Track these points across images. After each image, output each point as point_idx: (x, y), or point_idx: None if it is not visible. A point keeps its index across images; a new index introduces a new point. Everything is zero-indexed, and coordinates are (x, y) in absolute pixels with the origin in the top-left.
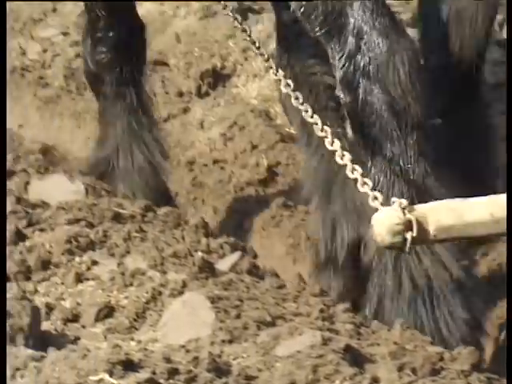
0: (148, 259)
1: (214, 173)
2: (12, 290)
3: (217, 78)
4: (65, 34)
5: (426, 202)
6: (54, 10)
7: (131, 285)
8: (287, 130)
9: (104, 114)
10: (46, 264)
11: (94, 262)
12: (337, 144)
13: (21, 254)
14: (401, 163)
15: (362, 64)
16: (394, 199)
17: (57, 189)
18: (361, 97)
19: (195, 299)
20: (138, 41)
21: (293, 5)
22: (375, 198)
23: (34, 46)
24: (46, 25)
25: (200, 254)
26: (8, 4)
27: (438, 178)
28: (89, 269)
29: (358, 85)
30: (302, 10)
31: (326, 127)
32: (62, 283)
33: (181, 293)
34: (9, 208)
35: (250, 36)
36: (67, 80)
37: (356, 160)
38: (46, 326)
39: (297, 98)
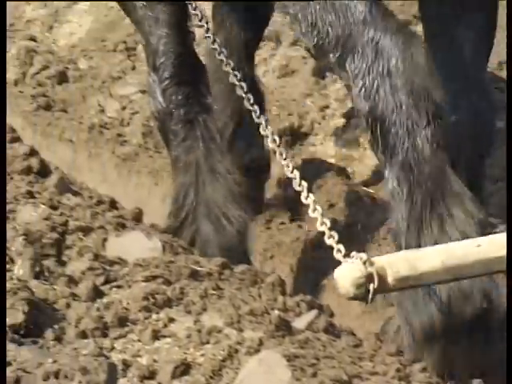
0: (225, 317)
1: (291, 231)
2: (89, 346)
3: (294, 137)
4: (143, 91)
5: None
6: (133, 68)
7: (208, 342)
8: (365, 188)
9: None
10: (123, 321)
11: (171, 319)
12: (310, 199)
13: (98, 310)
14: (417, 160)
15: (380, 69)
16: (353, 253)
17: (134, 246)
18: (381, 100)
19: (271, 357)
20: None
21: (305, 38)
22: (339, 250)
23: (113, 103)
24: (124, 83)
25: (276, 312)
26: (87, 61)
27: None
28: (165, 326)
29: (377, 90)
30: (315, 40)
31: (303, 182)
32: (139, 340)
33: (257, 351)
34: (86, 265)
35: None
36: (145, 137)
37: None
38: (122, 382)
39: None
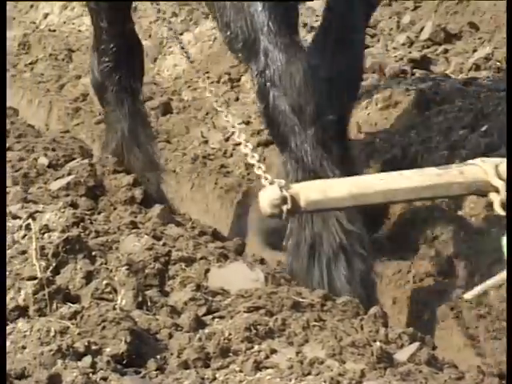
0: (326, 348)
1: (393, 263)
2: (191, 376)
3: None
4: (247, 122)
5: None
6: (237, 99)
7: (309, 374)
8: (469, 222)
9: (107, 118)
10: (224, 351)
11: (273, 351)
12: (242, 136)
13: (200, 340)
14: (302, 152)
15: (269, 76)
16: (275, 180)
17: (237, 276)
18: (271, 103)
19: None
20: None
21: (221, 34)
22: (266, 178)
23: (216, 135)
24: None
25: (378, 343)
26: (190, 93)
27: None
28: (267, 357)
29: (268, 93)
30: (227, 40)
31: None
32: (241, 371)
33: (359, 383)
34: (189, 295)
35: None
36: (248, 169)
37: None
38: None
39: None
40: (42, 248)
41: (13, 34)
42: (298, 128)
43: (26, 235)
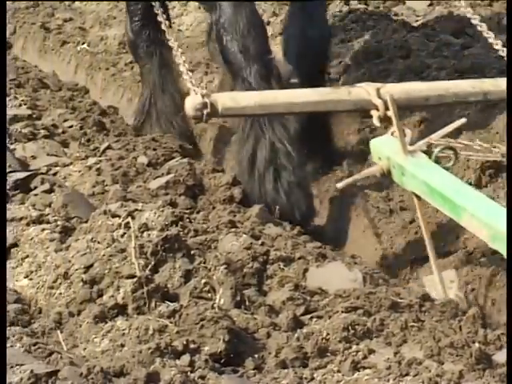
0: (425, 349)
1: (492, 264)
2: (288, 376)
3: (497, 171)
4: None
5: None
6: None
7: (407, 374)
8: None
9: (141, 73)
10: (322, 351)
11: (371, 351)
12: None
13: (298, 340)
14: (248, 85)
15: (222, 24)
16: (198, 90)
17: (335, 276)
18: (224, 45)
19: None
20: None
21: None
22: (194, 91)
23: None
24: None
25: (477, 344)
26: None
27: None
28: (365, 357)
29: (222, 38)
30: None
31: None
32: (339, 371)
33: None
34: (287, 295)
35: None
36: None
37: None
38: None
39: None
40: (141, 246)
41: (113, 33)
42: (244, 65)
43: (125, 234)
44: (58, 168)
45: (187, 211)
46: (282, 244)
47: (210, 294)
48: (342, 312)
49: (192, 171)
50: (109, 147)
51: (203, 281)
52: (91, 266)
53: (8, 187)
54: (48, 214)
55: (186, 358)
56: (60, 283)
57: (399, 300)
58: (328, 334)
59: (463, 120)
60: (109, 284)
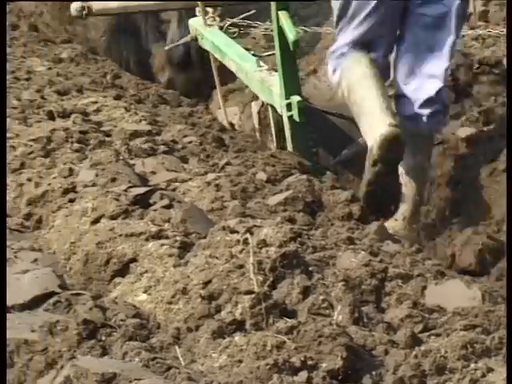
0: None
1: None
2: None
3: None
4: None
5: None
6: None
7: None
8: None
9: None
10: (440, 369)
11: (490, 369)
12: None
13: (416, 358)
14: None
15: None
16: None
17: (453, 294)
18: None
19: None
20: None
21: None
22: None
23: None
24: None
25: None
26: None
27: None
28: (483, 376)
29: None
30: None
31: None
32: None
33: None
34: (405, 312)
35: None
36: None
37: None
38: None
39: None
40: (260, 262)
41: None
42: None
43: (243, 249)
44: (177, 183)
45: (306, 228)
46: (400, 261)
47: (327, 311)
48: (461, 330)
49: (311, 187)
50: (228, 163)
51: (321, 297)
52: (209, 281)
53: (128, 202)
54: (167, 230)
55: (303, 375)
56: (178, 298)
57: None
58: (446, 351)
59: (253, 11)
60: (227, 300)
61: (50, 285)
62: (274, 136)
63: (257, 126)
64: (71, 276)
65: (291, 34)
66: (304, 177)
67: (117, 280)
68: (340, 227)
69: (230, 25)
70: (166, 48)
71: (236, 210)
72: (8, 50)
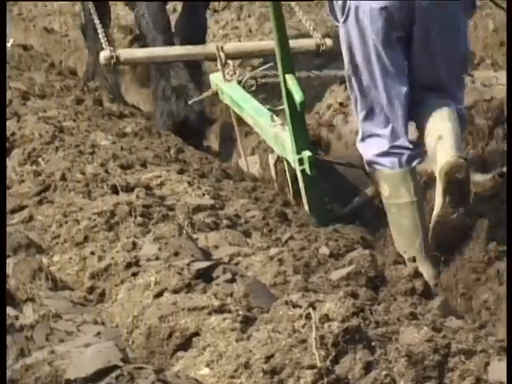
0: None
1: None
2: None
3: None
4: None
5: None
6: None
7: None
8: None
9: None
10: None
11: None
12: None
13: None
14: None
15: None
16: (109, 47)
17: None
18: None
19: None
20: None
21: None
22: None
23: None
24: None
25: None
26: None
27: None
28: None
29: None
30: None
31: None
32: None
33: None
34: None
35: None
36: None
37: None
38: None
39: None
40: (322, 337)
41: None
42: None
43: (305, 324)
44: (239, 258)
45: (368, 302)
46: (463, 337)
47: None
48: None
49: (373, 262)
50: (291, 237)
51: (384, 373)
52: (272, 356)
53: (190, 276)
54: (229, 304)
55: None
56: (241, 373)
57: None
58: None
59: (269, 65)
60: (289, 374)
61: (112, 358)
62: (290, 187)
63: (274, 177)
64: (134, 350)
65: (298, 95)
66: (367, 252)
67: (179, 354)
68: (403, 302)
69: (249, 78)
70: (190, 102)
71: (299, 285)
72: (73, 123)
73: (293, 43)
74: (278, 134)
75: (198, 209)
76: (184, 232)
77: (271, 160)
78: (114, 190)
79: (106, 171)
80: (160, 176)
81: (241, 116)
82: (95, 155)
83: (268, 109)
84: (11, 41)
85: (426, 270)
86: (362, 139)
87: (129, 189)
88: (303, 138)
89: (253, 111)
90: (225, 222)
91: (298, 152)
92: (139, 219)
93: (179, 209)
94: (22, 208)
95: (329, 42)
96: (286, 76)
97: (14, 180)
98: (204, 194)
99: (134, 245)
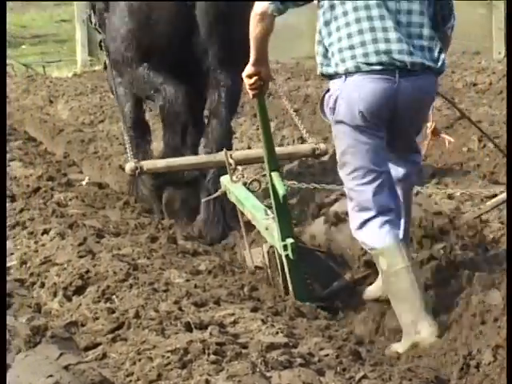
0: None
1: None
2: None
3: None
4: None
5: None
6: None
7: None
8: None
9: None
10: None
11: None
12: None
13: None
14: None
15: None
16: (132, 161)
17: None
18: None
19: None
20: None
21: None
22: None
23: None
24: None
25: None
26: None
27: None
28: None
29: None
30: None
31: None
32: None
33: None
34: None
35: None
36: None
37: None
38: None
39: None
40: None
41: None
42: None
43: None
44: None
45: None
46: None
47: None
48: None
49: None
50: (364, 376)
51: None
52: None
53: None
54: None
55: None
56: None
57: None
58: None
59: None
60: None
61: None
62: (279, 271)
63: (267, 263)
64: None
65: (281, 190)
66: None
67: None
68: None
69: (253, 180)
70: (203, 200)
71: None
72: (147, 261)
73: (292, 149)
74: (269, 226)
75: (272, 347)
76: (257, 370)
77: (264, 248)
78: (188, 328)
79: (180, 309)
80: (233, 314)
81: (243, 211)
82: (169, 293)
83: (265, 205)
84: (86, 178)
85: (427, 327)
86: (360, 227)
87: (202, 326)
88: (287, 226)
89: (251, 207)
90: (298, 360)
91: (283, 239)
92: (212, 357)
93: (252, 347)
94: (95, 345)
95: (323, 146)
96: (272, 173)
97: (89, 317)
98: (278, 332)
99: (208, 383)
